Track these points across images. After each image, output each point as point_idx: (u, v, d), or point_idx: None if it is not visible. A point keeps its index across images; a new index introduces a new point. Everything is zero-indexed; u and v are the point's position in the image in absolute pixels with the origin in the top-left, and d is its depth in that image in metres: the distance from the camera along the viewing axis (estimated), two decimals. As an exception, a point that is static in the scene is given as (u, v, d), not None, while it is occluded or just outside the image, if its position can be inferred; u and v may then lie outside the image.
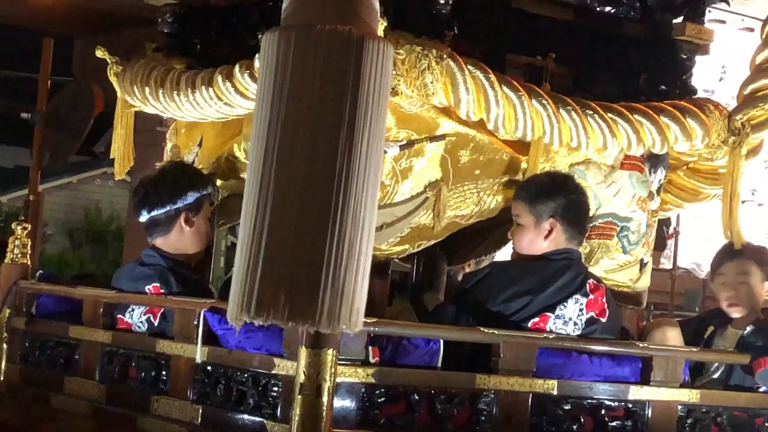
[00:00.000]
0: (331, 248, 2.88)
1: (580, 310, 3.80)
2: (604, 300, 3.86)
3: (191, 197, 4.05)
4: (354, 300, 2.90)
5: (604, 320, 3.84)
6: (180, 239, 4.06)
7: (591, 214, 4.08)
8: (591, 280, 3.87)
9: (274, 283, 2.88)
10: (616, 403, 3.73)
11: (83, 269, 14.82)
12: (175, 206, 4.05)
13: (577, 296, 3.81)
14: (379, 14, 3.06)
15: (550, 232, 3.88)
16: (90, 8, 9.15)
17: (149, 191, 4.09)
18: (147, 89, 4.18)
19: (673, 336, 4.14)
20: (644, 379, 3.77)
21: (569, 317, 3.79)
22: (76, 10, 9.25)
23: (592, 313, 3.83)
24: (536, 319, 3.76)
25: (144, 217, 4.09)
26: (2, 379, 4.34)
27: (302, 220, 2.89)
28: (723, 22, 7.58)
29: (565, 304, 3.79)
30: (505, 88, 3.81)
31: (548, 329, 3.75)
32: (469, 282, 3.89)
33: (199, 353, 3.55)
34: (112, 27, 9.01)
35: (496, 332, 3.56)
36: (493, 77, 3.79)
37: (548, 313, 3.77)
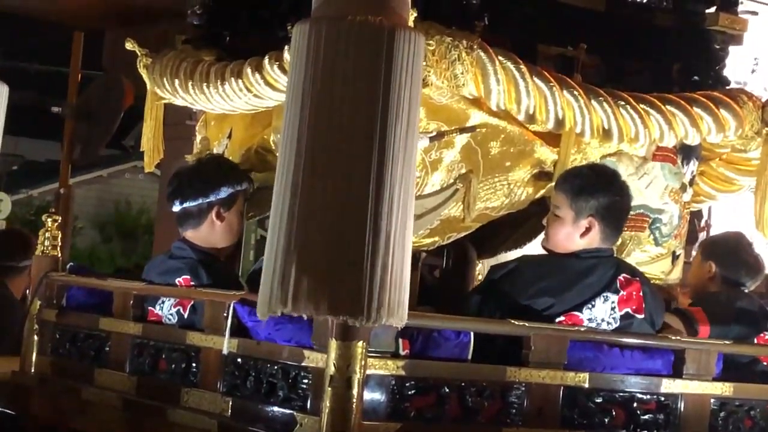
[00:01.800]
0: (370, 240, 2.87)
1: (612, 308, 3.77)
2: (641, 294, 3.81)
3: (224, 192, 4.05)
4: (398, 293, 2.90)
5: (641, 316, 3.79)
6: (211, 233, 4.05)
7: (622, 206, 4.05)
8: (623, 276, 3.81)
9: (313, 276, 2.88)
10: (648, 396, 3.69)
11: (117, 265, 14.83)
12: (208, 200, 4.04)
13: (607, 294, 3.77)
14: (409, 4, 3.04)
15: (588, 230, 3.83)
16: (120, 1, 9.17)
17: (183, 182, 4.09)
18: (176, 81, 4.18)
19: (671, 321, 4.11)
20: (676, 372, 3.74)
21: (601, 318, 3.75)
22: (106, 4, 9.27)
23: (628, 309, 3.78)
24: (562, 318, 3.73)
25: (176, 208, 4.09)
26: (33, 371, 4.35)
27: (339, 213, 2.89)
28: (755, 13, 7.51)
29: (593, 303, 3.75)
30: (536, 78, 3.78)
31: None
32: (496, 274, 3.85)
33: (227, 344, 3.55)
34: (142, 20, 9.02)
35: (527, 324, 3.54)
36: (524, 68, 3.76)
37: (576, 312, 3.73)
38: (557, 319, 3.71)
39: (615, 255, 4.00)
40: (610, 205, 3.85)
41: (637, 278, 3.85)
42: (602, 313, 3.75)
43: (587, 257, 3.82)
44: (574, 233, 3.84)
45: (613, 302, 3.77)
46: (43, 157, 19.04)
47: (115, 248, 17.98)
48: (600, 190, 3.84)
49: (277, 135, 4.07)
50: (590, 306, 3.75)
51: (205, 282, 3.92)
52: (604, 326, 3.75)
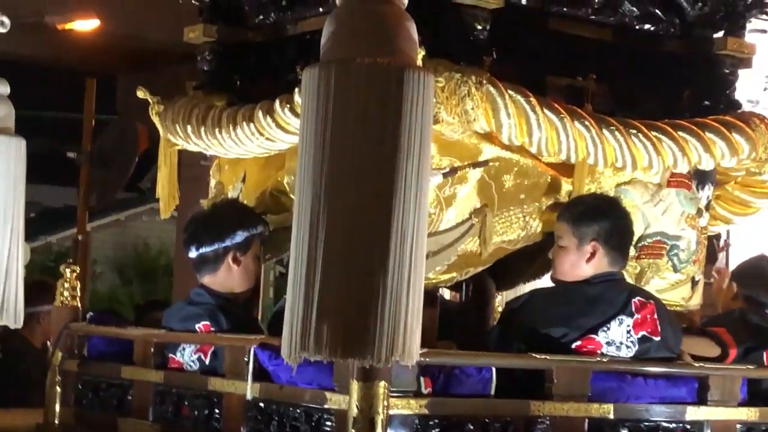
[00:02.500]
0: (381, 281, 2.86)
1: (628, 331, 3.76)
2: (656, 317, 3.81)
3: (240, 236, 4.05)
4: (407, 332, 2.89)
5: (657, 339, 3.79)
6: (228, 277, 4.06)
7: (640, 233, 4.06)
8: (637, 299, 3.82)
9: (326, 319, 2.87)
10: (674, 425, 3.68)
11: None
12: (223, 244, 4.04)
13: (621, 317, 3.77)
14: (418, 44, 3.05)
15: (592, 255, 3.86)
16: (131, 47, 9.25)
17: (198, 228, 4.10)
18: (189, 127, 4.20)
19: (692, 343, 4.09)
20: (701, 399, 3.73)
21: (619, 341, 3.74)
22: (117, 50, 9.35)
23: (644, 332, 3.78)
24: (579, 343, 3.73)
25: (193, 254, 4.10)
26: (57, 422, 4.35)
27: (351, 254, 2.88)
28: (764, 31, 7.52)
29: (608, 326, 3.75)
30: (546, 111, 3.79)
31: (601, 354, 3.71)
32: (513, 305, 3.89)
33: (250, 390, 3.54)
34: (153, 65, 9.09)
35: (549, 357, 3.53)
36: (534, 101, 3.77)
37: (592, 335, 3.73)
38: (574, 344, 3.71)
39: (631, 281, 4.00)
40: (612, 228, 3.87)
41: (652, 301, 3.86)
42: (619, 336, 3.75)
43: (599, 282, 3.84)
44: (579, 260, 3.86)
45: (628, 325, 3.77)
46: (61, 203, 19.08)
47: (135, 290, 17.98)
48: (601, 214, 3.88)
49: (290, 176, 4.08)
50: (606, 329, 3.75)
51: (224, 327, 3.92)
52: (623, 349, 3.74)
